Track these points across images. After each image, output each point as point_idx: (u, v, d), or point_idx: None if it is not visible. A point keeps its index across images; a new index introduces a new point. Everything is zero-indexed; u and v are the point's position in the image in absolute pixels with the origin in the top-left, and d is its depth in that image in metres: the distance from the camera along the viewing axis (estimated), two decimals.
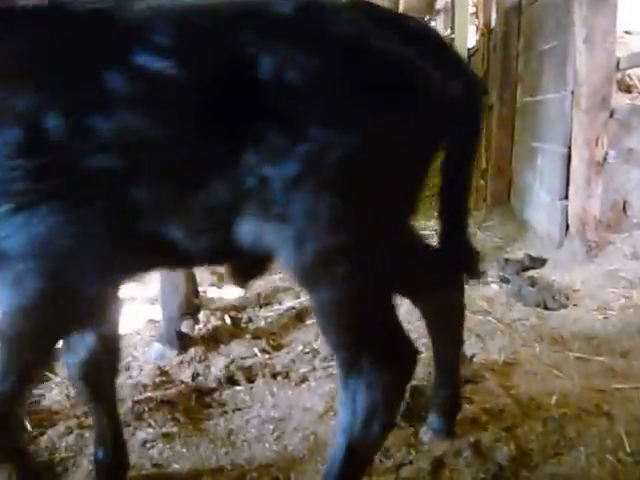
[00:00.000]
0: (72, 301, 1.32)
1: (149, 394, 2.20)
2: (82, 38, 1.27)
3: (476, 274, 1.73)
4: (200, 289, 3.31)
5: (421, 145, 1.36)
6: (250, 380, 2.34)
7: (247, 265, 1.54)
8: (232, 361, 2.48)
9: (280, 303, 3.24)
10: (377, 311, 1.39)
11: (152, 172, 1.24)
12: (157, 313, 2.86)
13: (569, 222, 3.56)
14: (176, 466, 1.83)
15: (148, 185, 1.24)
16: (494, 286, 3.37)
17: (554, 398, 2.05)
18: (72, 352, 1.57)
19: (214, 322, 2.84)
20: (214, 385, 2.32)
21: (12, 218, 1.21)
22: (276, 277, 3.70)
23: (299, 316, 3.04)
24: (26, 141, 1.19)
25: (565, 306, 2.96)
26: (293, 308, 3.14)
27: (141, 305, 3.30)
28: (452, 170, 1.54)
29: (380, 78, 1.23)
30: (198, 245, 1.32)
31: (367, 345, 1.36)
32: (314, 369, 2.40)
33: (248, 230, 1.27)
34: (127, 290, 3.54)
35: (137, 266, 1.44)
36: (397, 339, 1.41)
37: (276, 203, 1.22)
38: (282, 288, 3.48)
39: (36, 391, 2.20)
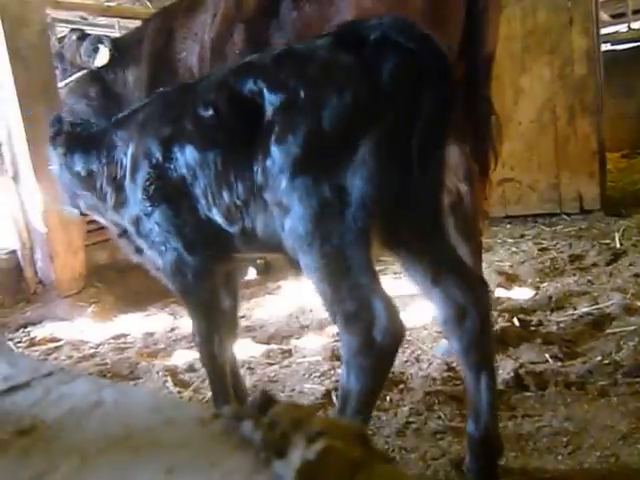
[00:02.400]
0: (187, 268, 1.97)
1: (439, 387, 2.30)
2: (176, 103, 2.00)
3: None
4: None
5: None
6: (541, 387, 2.25)
7: None
8: (521, 365, 2.41)
9: (575, 308, 3.02)
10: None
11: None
12: None
13: None
14: None
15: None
16: None
17: None
18: None
19: (502, 323, 2.80)
20: (502, 387, 2.29)
21: (152, 217, 1.95)
22: (570, 280, 3.47)
23: (597, 323, 2.80)
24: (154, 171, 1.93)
25: None
26: (590, 314, 2.90)
27: (428, 302, 3.43)
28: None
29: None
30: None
31: (338, 308, 1.62)
32: (615, 383, 2.19)
33: None
34: (415, 287, 3.75)
35: (216, 248, 1.97)
36: (363, 305, 1.58)
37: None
38: (576, 292, 3.24)
39: None
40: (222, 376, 2.04)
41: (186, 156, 1.87)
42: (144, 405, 0.67)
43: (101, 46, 3.75)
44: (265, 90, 1.69)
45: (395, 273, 4.17)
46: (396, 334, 1.62)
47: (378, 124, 1.57)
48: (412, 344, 2.85)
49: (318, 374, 2.58)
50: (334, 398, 2.28)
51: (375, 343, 1.59)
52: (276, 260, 4.77)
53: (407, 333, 2.95)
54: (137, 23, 5.12)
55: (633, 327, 2.64)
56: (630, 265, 3.60)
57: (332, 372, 2.59)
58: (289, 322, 3.39)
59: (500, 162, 2.78)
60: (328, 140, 1.58)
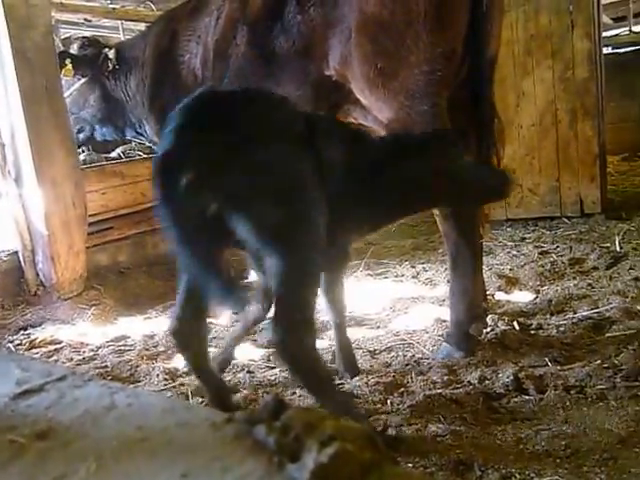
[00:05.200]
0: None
1: (439, 391, 2.31)
2: None
3: None
4: (488, 293, 3.32)
5: None
6: (540, 391, 2.27)
7: None
8: (521, 369, 2.44)
9: (574, 311, 3.04)
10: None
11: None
12: (445, 314, 2.97)
13: None
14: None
15: None
16: None
17: None
18: None
19: (502, 327, 2.82)
20: (502, 391, 2.31)
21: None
22: (570, 283, 3.49)
23: (597, 327, 2.82)
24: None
25: None
26: (589, 318, 2.92)
27: (430, 305, 3.46)
28: None
29: None
30: None
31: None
32: (614, 387, 2.21)
33: None
34: (417, 290, 3.78)
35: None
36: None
37: None
38: (576, 295, 3.26)
39: None
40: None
41: None
42: (157, 407, 0.69)
43: (67, 61, 3.78)
44: None
45: (396, 276, 4.20)
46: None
47: None
48: (413, 347, 2.87)
49: None
50: None
51: None
52: None
53: (408, 336, 3.00)
54: (141, 25, 5.15)
55: (633, 331, 2.66)
56: (630, 269, 3.62)
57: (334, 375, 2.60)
58: None
59: (501, 165, 2.80)
60: None
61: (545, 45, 4.99)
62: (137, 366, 2.87)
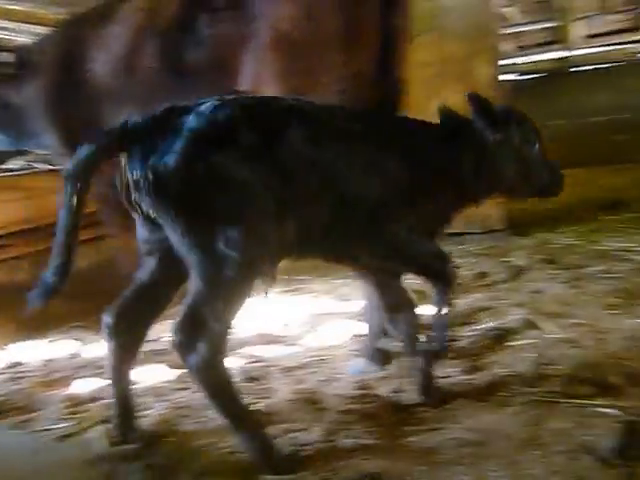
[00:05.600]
0: None
1: (351, 406, 2.33)
2: None
3: None
4: None
5: None
6: (449, 400, 2.34)
7: None
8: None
9: (480, 323, 3.18)
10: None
11: None
12: (361, 329, 3.01)
13: None
14: None
15: None
16: None
17: None
18: None
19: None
20: (413, 402, 2.37)
21: None
22: (476, 296, 3.64)
23: (500, 337, 2.95)
24: None
25: None
26: (494, 329, 3.06)
27: (345, 320, 3.49)
28: None
29: None
30: None
31: None
32: (515, 394, 2.32)
33: None
34: (332, 305, 3.80)
35: None
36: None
37: None
38: (482, 308, 3.41)
39: None
40: None
41: None
42: (24, 448, 0.64)
43: None
44: None
45: (312, 292, 4.21)
46: None
47: None
48: (328, 363, 2.88)
49: None
50: None
51: None
52: None
53: (323, 352, 3.02)
54: (45, 29, 4.87)
55: (532, 340, 2.82)
56: (530, 281, 3.84)
57: (245, 396, 2.55)
58: None
59: None
60: None
61: (453, 69, 5.24)
62: (34, 395, 2.69)
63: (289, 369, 2.85)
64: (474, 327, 3.13)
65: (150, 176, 1.74)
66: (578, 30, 13.63)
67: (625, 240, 4.61)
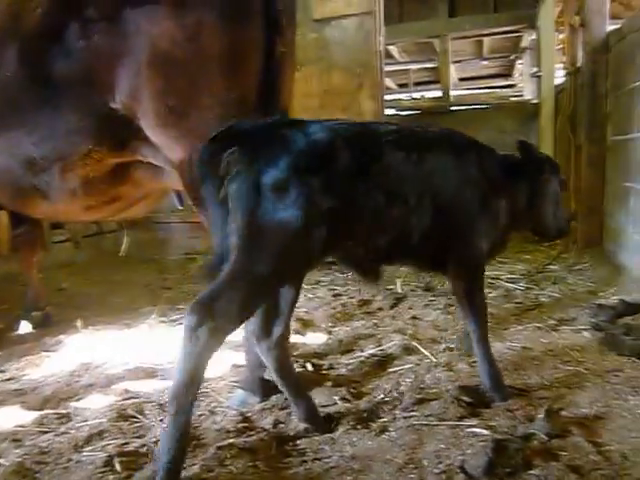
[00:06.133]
0: None
1: (231, 440, 2.24)
2: None
3: None
4: None
5: None
6: (331, 429, 2.32)
7: None
8: None
9: (362, 350, 3.22)
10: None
11: None
12: (241, 359, 2.93)
13: None
14: None
15: None
16: (586, 334, 3.17)
17: None
18: None
19: (297, 369, 2.86)
20: (294, 433, 2.32)
21: None
22: (359, 324, 3.69)
23: (380, 363, 3.00)
24: None
25: None
26: (374, 355, 3.11)
27: (226, 351, 3.39)
28: None
29: None
30: None
31: None
32: (395, 419, 2.35)
33: None
34: None
35: None
36: None
37: None
38: (364, 335, 3.46)
39: None
40: None
41: None
42: None
43: None
44: None
45: None
46: None
47: None
48: (208, 396, 2.77)
49: (100, 439, 2.35)
50: (116, 465, 2.09)
51: None
52: (56, 310, 4.33)
53: (203, 385, 2.89)
54: None
55: (410, 365, 2.90)
56: (409, 308, 3.98)
57: (118, 435, 2.38)
58: (70, 382, 3.05)
59: None
60: None
61: (337, 101, 5.39)
62: None
63: (165, 404, 2.70)
64: (356, 354, 3.16)
65: (251, 179, 1.87)
66: (455, 72, 14.77)
67: (495, 269, 4.94)
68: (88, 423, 2.50)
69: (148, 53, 2.33)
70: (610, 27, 4.72)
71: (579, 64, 5.15)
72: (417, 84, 15.30)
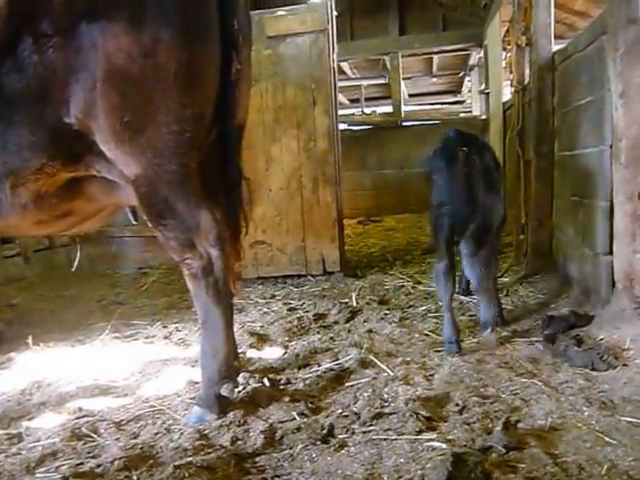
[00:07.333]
0: None
1: (189, 458, 2.20)
2: None
3: None
4: (239, 351, 3.34)
5: None
6: (289, 445, 2.32)
7: None
8: (271, 425, 2.47)
9: (319, 364, 3.22)
10: None
11: None
12: (197, 375, 2.89)
13: (615, 278, 3.46)
14: None
15: None
16: (539, 345, 3.27)
17: (604, 467, 1.96)
18: None
19: (253, 384, 2.85)
20: (253, 450, 2.30)
21: None
22: (315, 338, 3.70)
23: (338, 378, 3.01)
24: None
25: (614, 367, 2.83)
26: (331, 370, 3.12)
27: (182, 367, 3.34)
28: None
29: None
30: None
31: None
32: (353, 434, 2.36)
33: None
34: (169, 351, 3.62)
35: None
36: None
37: None
38: (320, 349, 3.47)
39: None
40: None
41: None
42: None
43: None
44: None
45: (147, 338, 3.99)
46: None
47: None
48: (163, 414, 2.72)
49: (54, 460, 2.27)
50: None
51: None
52: (6, 326, 4.19)
53: (158, 402, 2.84)
54: None
55: (367, 379, 2.92)
56: (365, 322, 4.01)
57: (72, 455, 2.31)
58: (21, 400, 2.96)
59: (253, 226, 2.90)
60: None
61: (291, 116, 5.43)
62: None
63: (121, 423, 2.64)
64: (313, 369, 3.17)
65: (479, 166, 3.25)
66: (406, 88, 15.07)
67: None
68: (41, 443, 2.43)
69: (104, 68, 2.30)
70: (555, 47, 4.92)
71: (526, 82, 5.34)
72: (368, 99, 15.57)
